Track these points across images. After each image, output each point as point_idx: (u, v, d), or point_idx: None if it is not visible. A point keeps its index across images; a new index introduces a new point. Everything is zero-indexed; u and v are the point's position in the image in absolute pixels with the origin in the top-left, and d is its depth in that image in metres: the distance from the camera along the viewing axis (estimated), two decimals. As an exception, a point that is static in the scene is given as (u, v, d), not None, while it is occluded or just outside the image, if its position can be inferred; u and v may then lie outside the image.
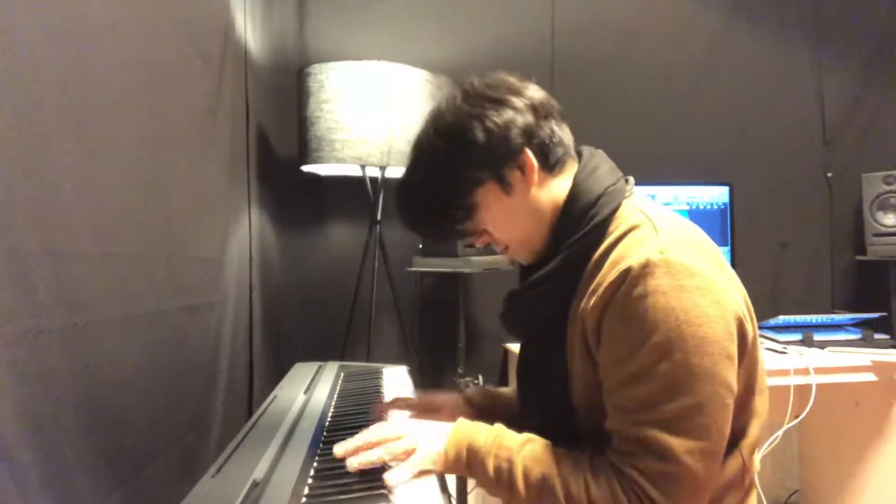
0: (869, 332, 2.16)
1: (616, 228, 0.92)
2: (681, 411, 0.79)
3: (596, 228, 0.93)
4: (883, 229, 2.42)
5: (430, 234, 1.06)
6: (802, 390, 1.97)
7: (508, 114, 0.94)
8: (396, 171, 2.11)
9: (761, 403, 0.95)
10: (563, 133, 0.99)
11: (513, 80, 0.98)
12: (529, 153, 0.95)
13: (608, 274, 0.86)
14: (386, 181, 2.09)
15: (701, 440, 0.79)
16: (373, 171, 2.07)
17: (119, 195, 1.01)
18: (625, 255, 0.86)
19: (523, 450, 0.87)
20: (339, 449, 0.89)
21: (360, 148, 1.90)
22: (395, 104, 1.92)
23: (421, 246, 2.23)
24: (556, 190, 0.98)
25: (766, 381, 0.97)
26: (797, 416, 1.98)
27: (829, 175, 2.70)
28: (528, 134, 0.95)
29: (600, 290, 0.86)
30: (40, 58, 0.79)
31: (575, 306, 0.92)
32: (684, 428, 0.79)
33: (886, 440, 2.17)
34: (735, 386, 0.84)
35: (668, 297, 0.80)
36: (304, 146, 1.98)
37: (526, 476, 0.84)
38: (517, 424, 0.94)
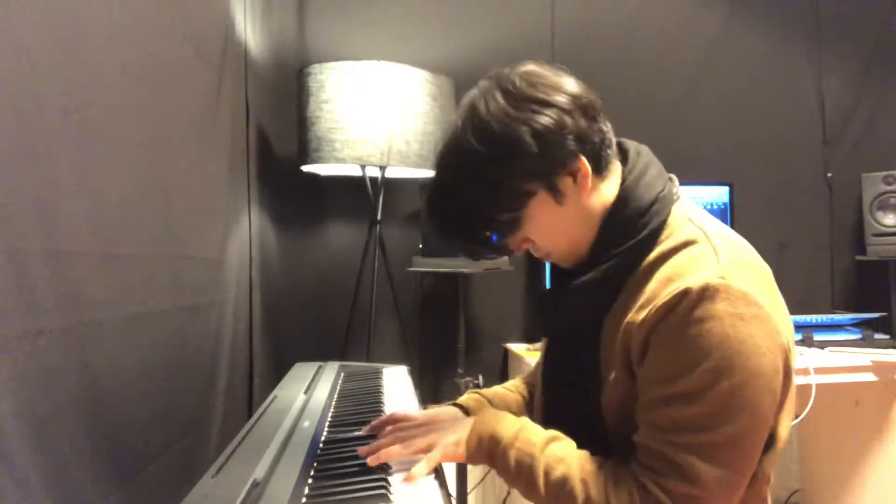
0: (869, 332, 2.16)
1: (667, 238, 0.89)
2: (718, 441, 0.78)
3: (648, 238, 0.89)
4: (883, 229, 2.41)
5: (469, 248, 1.00)
6: (802, 390, 1.96)
7: (558, 116, 0.86)
8: (396, 171, 2.12)
9: (787, 423, 0.91)
10: (608, 131, 0.94)
11: (549, 72, 0.91)
12: (583, 159, 0.88)
13: (661, 290, 0.83)
14: (386, 181, 2.09)
15: (730, 470, 0.79)
16: (373, 171, 2.07)
17: (119, 195, 1.01)
18: (680, 274, 0.83)
19: (547, 448, 0.86)
20: (363, 449, 0.91)
21: (360, 148, 1.90)
22: (395, 104, 1.92)
23: (421, 246, 2.23)
24: (604, 194, 0.93)
25: (794, 403, 0.92)
26: (797, 417, 1.98)
27: (829, 175, 2.70)
28: (581, 138, 0.88)
29: (652, 306, 0.83)
30: (40, 58, 0.79)
31: (616, 315, 0.89)
32: (718, 457, 0.78)
33: (886, 440, 2.17)
34: (771, 420, 0.83)
35: (725, 325, 0.78)
36: (304, 146, 1.98)
37: (547, 474, 0.84)
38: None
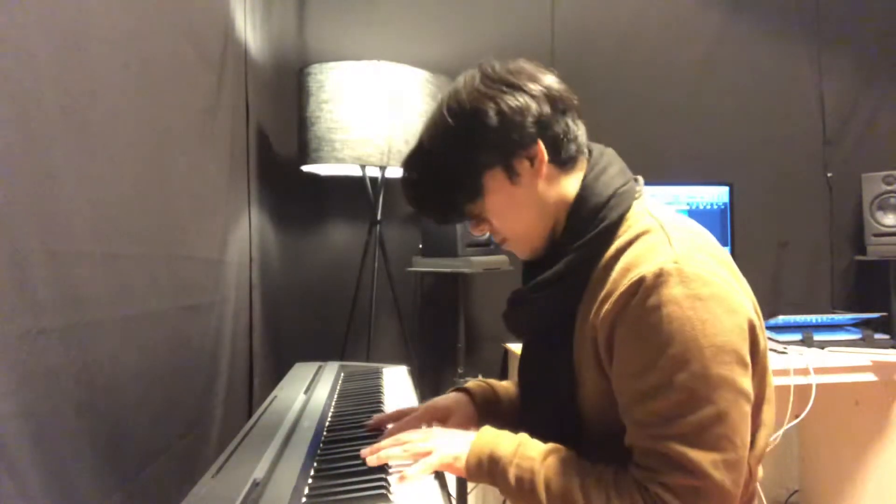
0: (869, 332, 2.16)
1: (625, 232, 0.91)
2: (702, 423, 0.78)
3: (605, 231, 0.91)
4: (883, 229, 2.42)
5: (434, 212, 1.02)
6: (802, 390, 1.97)
7: (524, 100, 0.91)
8: (396, 171, 2.12)
9: (769, 413, 0.94)
10: (579, 130, 0.97)
11: (533, 67, 0.96)
12: (542, 145, 0.92)
13: (620, 281, 0.84)
14: (386, 181, 2.09)
15: (725, 451, 0.78)
16: (373, 171, 2.07)
17: (119, 195, 1.01)
18: (636, 263, 0.84)
19: (546, 461, 0.86)
20: (365, 450, 0.91)
21: (360, 148, 1.90)
22: (395, 104, 1.92)
23: (421, 246, 2.23)
24: (564, 188, 0.96)
25: (773, 391, 0.95)
26: (797, 416, 1.98)
27: (829, 175, 2.70)
28: (543, 125, 0.92)
29: (612, 298, 0.84)
30: (40, 58, 0.79)
31: (584, 313, 0.91)
32: (707, 440, 0.78)
33: (886, 440, 2.17)
34: (751, 394, 0.83)
35: (683, 308, 0.79)
36: (304, 146, 1.98)
37: (548, 487, 0.83)
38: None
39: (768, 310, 2.41)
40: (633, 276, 0.83)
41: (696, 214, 2.38)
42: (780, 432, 2.01)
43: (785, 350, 2.11)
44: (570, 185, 0.96)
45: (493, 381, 1.20)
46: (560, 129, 0.94)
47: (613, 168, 0.97)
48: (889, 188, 2.41)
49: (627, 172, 0.99)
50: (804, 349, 2.10)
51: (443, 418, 1.08)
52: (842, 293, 2.72)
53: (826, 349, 2.11)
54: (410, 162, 1.00)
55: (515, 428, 0.94)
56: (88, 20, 0.92)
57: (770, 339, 2.22)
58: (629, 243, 0.89)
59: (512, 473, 0.85)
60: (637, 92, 2.54)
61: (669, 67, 2.60)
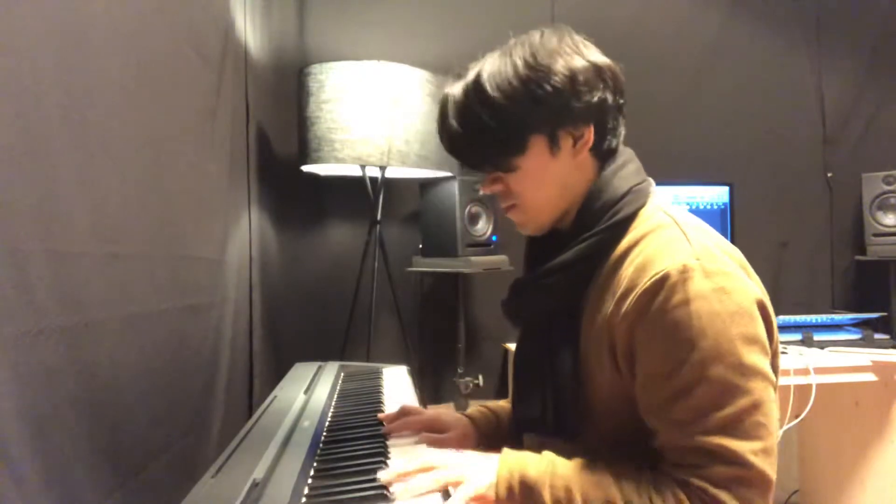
0: (869, 332, 2.16)
1: (638, 227, 0.90)
2: (739, 413, 0.77)
3: (618, 224, 0.91)
4: (883, 229, 2.42)
5: (468, 155, 0.97)
6: (802, 390, 1.97)
7: (594, 76, 0.90)
8: (396, 171, 2.12)
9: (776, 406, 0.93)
10: (621, 130, 0.97)
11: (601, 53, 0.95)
12: (592, 129, 0.92)
13: (639, 279, 0.83)
14: (386, 181, 2.09)
15: (763, 440, 0.78)
16: (373, 171, 2.07)
17: (119, 195, 1.01)
18: (655, 259, 0.83)
19: (581, 476, 0.82)
20: (383, 475, 0.83)
21: (360, 148, 1.90)
22: (395, 104, 1.92)
23: (421, 246, 2.23)
24: (589, 178, 0.95)
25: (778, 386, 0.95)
26: (797, 416, 1.98)
27: (829, 175, 2.70)
28: (602, 109, 0.92)
29: (632, 295, 0.83)
30: (40, 58, 0.79)
31: (594, 306, 0.90)
32: (745, 430, 0.77)
33: (886, 440, 2.17)
34: (774, 379, 0.83)
35: (711, 302, 0.79)
36: (304, 146, 1.98)
37: (587, 503, 0.80)
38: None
39: (768, 310, 2.42)
40: (654, 274, 0.81)
41: (696, 214, 2.35)
42: (780, 432, 2.01)
43: (785, 350, 2.11)
44: (595, 174, 0.96)
45: (490, 404, 1.19)
46: (613, 123, 0.94)
47: (631, 166, 0.97)
48: (889, 188, 2.41)
49: (643, 172, 0.99)
50: (804, 349, 2.10)
51: (441, 430, 1.06)
52: (842, 293, 2.72)
53: (826, 349, 2.11)
54: (460, 101, 0.94)
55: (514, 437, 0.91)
56: (88, 20, 0.92)
57: (770, 339, 2.22)
58: (642, 237, 0.88)
59: (547, 496, 0.81)
60: (637, 92, 2.52)
61: (669, 67, 2.60)
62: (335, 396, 1.30)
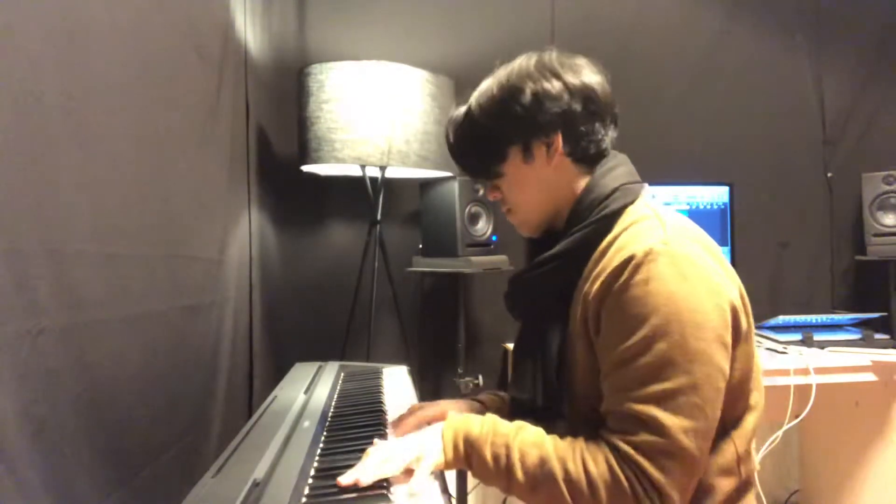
0: (869, 332, 2.16)
1: (624, 221, 0.96)
2: (675, 389, 0.82)
3: (605, 219, 0.96)
4: (883, 229, 2.41)
5: (466, 166, 1.12)
6: (802, 390, 1.97)
7: (559, 90, 0.98)
8: (396, 171, 2.12)
9: (757, 399, 0.98)
10: (606, 135, 1.03)
11: (588, 65, 1.04)
12: (561, 136, 0.99)
13: (612, 260, 0.89)
14: (386, 181, 2.09)
15: (694, 420, 0.82)
16: (373, 171, 2.07)
17: (119, 195, 1.01)
18: (628, 243, 0.89)
19: (518, 435, 0.89)
20: (344, 479, 0.83)
21: (360, 148, 1.90)
22: (395, 104, 1.92)
23: (421, 246, 2.23)
24: (575, 181, 1.02)
25: (761, 379, 1.00)
26: (797, 416, 1.98)
27: (829, 175, 2.70)
28: (569, 118, 0.99)
29: (603, 274, 0.89)
30: (40, 58, 0.79)
31: (579, 290, 0.96)
32: (679, 406, 0.81)
33: (886, 440, 2.17)
34: (727, 372, 0.87)
35: (668, 283, 0.83)
36: (304, 146, 1.98)
37: (523, 460, 0.86)
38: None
39: (768, 310, 2.43)
40: (623, 255, 0.87)
41: (696, 214, 2.38)
42: (780, 432, 2.01)
43: (785, 350, 2.11)
44: (582, 181, 1.02)
45: (500, 392, 1.24)
46: (585, 128, 1.00)
47: (622, 168, 1.03)
48: (889, 188, 2.41)
49: (636, 175, 1.04)
50: (804, 349, 2.10)
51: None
52: (842, 293, 2.72)
53: (826, 349, 2.11)
54: (457, 117, 1.09)
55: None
56: (89, 20, 0.92)
57: (770, 338, 2.22)
58: (625, 229, 0.94)
59: (488, 452, 0.88)
60: (637, 91, 2.54)
61: (669, 67, 2.60)
62: (335, 396, 1.30)
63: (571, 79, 0.99)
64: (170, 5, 1.26)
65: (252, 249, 1.95)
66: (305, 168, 2.07)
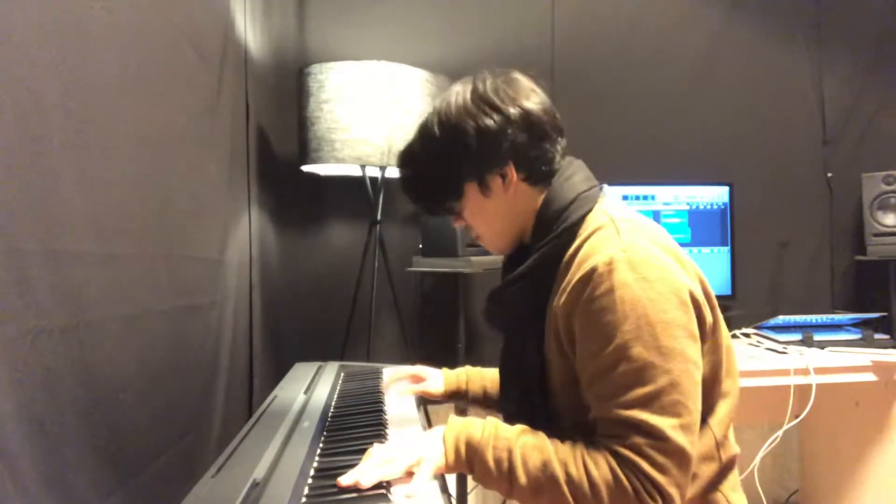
0: (869, 332, 2.16)
1: (585, 230, 0.99)
2: (659, 390, 0.84)
3: (566, 231, 0.99)
4: (883, 229, 2.41)
5: (422, 205, 1.14)
6: (802, 390, 1.97)
7: (502, 124, 0.99)
8: (396, 171, 2.12)
9: (731, 385, 1.01)
10: (555, 151, 1.05)
11: (525, 84, 1.03)
12: (513, 167, 1.02)
13: (576, 273, 0.92)
14: (386, 181, 2.09)
15: (680, 416, 0.84)
16: (373, 171, 2.07)
17: (119, 195, 1.01)
18: (590, 255, 0.92)
19: (520, 439, 0.89)
20: (345, 480, 0.84)
21: (360, 148, 1.90)
22: (395, 104, 1.92)
23: (421, 246, 2.23)
24: (534, 199, 1.05)
25: (735, 364, 1.03)
26: (797, 416, 1.98)
27: (829, 175, 2.70)
28: (517, 149, 1.01)
29: (569, 288, 0.92)
30: (40, 58, 0.79)
31: (549, 304, 0.99)
32: (663, 406, 0.84)
33: (886, 440, 2.17)
34: (700, 363, 0.90)
35: (633, 289, 0.86)
36: (304, 146, 1.98)
37: (525, 463, 0.87)
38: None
39: (768, 310, 2.43)
40: (586, 267, 0.90)
41: (696, 214, 2.39)
42: (780, 432, 2.01)
43: (785, 350, 2.11)
44: (541, 196, 1.05)
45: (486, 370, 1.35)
46: (534, 154, 1.03)
47: (578, 176, 1.05)
48: (889, 188, 2.41)
49: (592, 180, 1.07)
50: (804, 349, 2.10)
51: (422, 380, 1.33)
52: (842, 293, 2.72)
53: (826, 349, 2.11)
54: (403, 159, 1.12)
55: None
56: (89, 20, 0.92)
57: (770, 338, 2.22)
58: (586, 239, 0.97)
59: (490, 456, 0.89)
60: (637, 91, 2.54)
61: (669, 67, 2.59)
62: (335, 396, 1.30)
63: (511, 109, 1.00)
64: (169, 5, 1.26)
65: (252, 249, 1.95)
66: (305, 168, 2.07)
